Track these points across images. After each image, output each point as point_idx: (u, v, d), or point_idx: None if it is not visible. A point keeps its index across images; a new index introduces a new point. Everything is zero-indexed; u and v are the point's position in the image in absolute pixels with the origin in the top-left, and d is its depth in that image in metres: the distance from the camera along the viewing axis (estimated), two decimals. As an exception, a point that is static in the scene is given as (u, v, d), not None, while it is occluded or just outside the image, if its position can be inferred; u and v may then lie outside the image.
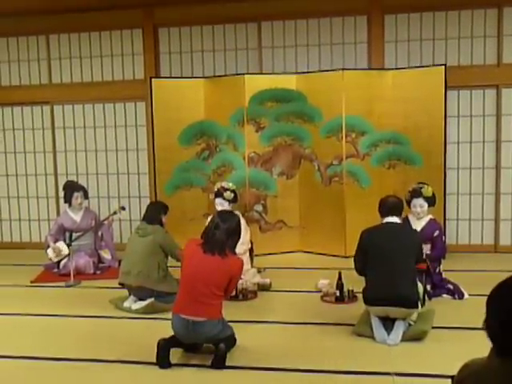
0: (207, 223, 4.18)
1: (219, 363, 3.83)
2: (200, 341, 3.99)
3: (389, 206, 4.45)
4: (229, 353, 3.92)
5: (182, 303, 3.90)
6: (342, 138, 6.74)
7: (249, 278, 5.60)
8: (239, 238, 4.12)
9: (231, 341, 4.02)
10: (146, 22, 7.43)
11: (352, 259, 4.51)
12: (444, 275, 5.36)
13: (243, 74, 6.99)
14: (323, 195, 6.96)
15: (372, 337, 4.21)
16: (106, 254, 6.68)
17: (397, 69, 6.86)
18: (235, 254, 4.04)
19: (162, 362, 3.86)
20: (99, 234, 6.71)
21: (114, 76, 7.67)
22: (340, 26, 7.16)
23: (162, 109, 7.06)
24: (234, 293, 5.02)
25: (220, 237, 3.92)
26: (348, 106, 6.67)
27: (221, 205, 5.84)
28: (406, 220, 5.30)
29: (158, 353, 3.87)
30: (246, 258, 5.73)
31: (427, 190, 5.32)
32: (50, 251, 6.41)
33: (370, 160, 6.83)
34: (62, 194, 6.89)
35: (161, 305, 5.01)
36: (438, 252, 5.29)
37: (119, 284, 5.26)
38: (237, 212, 6.02)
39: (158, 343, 3.88)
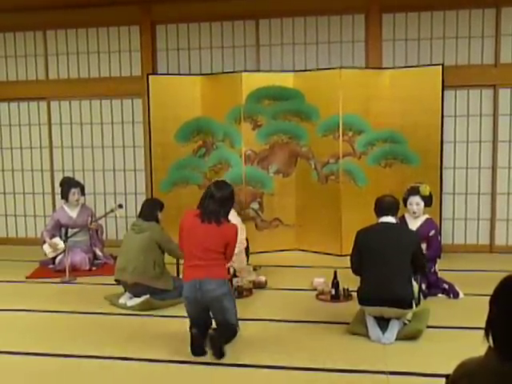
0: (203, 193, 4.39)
1: (218, 349, 3.93)
2: (206, 301, 4.07)
3: (384, 205, 4.44)
4: (228, 344, 4.00)
5: (189, 271, 4.10)
6: (338, 136, 6.74)
7: (244, 275, 5.61)
8: (232, 205, 4.34)
9: (232, 330, 4.17)
10: (144, 18, 7.42)
11: (347, 258, 4.51)
12: (439, 275, 5.37)
13: (240, 71, 6.98)
14: (319, 194, 6.96)
15: (367, 335, 4.22)
16: (101, 253, 6.68)
17: (394, 68, 6.87)
18: (229, 220, 4.24)
19: (199, 351, 3.97)
20: (90, 232, 6.70)
21: (111, 72, 7.65)
22: (338, 25, 7.15)
23: (158, 105, 7.05)
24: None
25: (214, 206, 4.13)
26: (345, 105, 6.67)
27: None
28: (403, 219, 5.30)
29: (192, 343, 3.99)
30: (241, 256, 5.73)
31: (425, 189, 5.32)
32: (45, 247, 6.41)
33: (367, 159, 6.84)
34: (58, 190, 6.88)
35: (156, 302, 5.02)
36: (434, 252, 5.29)
37: (115, 281, 5.26)
38: (233, 210, 6.07)
39: (192, 334, 4.00)
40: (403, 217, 5.34)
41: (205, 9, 7.24)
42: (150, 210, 5.32)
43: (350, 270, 4.47)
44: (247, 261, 5.96)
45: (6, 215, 8.14)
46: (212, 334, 3.99)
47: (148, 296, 5.05)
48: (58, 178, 7.22)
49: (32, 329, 4.63)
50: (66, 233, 6.35)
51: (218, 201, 4.14)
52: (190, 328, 4.04)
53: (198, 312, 4.13)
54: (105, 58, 7.65)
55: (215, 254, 4.09)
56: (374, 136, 6.81)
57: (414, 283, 4.42)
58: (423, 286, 5.09)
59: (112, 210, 6.47)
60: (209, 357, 3.95)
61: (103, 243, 6.81)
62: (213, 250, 4.08)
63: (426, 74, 6.59)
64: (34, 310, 5.06)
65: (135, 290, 5.10)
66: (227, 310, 4.12)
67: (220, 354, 3.91)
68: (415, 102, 6.64)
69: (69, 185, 6.65)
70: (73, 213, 6.63)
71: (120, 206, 6.50)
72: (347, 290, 5.18)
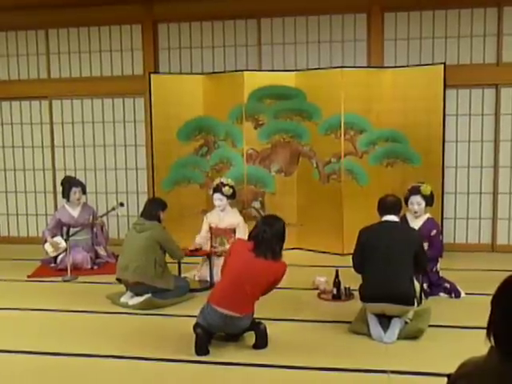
0: (253, 227, 4.35)
1: (262, 342, 4.08)
2: (233, 332, 4.14)
3: (387, 204, 4.46)
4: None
5: (224, 297, 4.02)
6: (340, 135, 6.74)
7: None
8: (285, 239, 4.30)
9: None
10: (146, 17, 7.42)
11: (349, 257, 4.52)
12: (441, 274, 5.37)
13: (242, 70, 6.97)
14: (321, 193, 6.95)
15: (368, 334, 4.22)
16: (103, 251, 6.68)
17: (396, 67, 6.86)
18: (281, 257, 4.21)
19: (202, 350, 3.98)
20: (94, 230, 6.71)
21: (112, 71, 7.65)
22: (340, 24, 7.14)
23: (160, 104, 7.04)
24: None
25: (270, 243, 4.11)
26: (347, 104, 6.67)
27: (219, 200, 5.86)
28: (404, 219, 5.30)
29: (197, 342, 3.99)
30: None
31: (426, 188, 5.32)
32: (47, 246, 6.41)
33: (369, 158, 6.83)
34: (59, 189, 6.88)
35: (157, 301, 5.02)
36: (435, 251, 5.29)
37: (116, 279, 5.26)
38: (235, 209, 6.08)
39: (197, 334, 3.99)
40: (404, 216, 5.33)
41: (207, 8, 7.24)
42: (153, 209, 5.32)
43: (352, 269, 4.48)
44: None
45: (8, 214, 8.15)
46: (261, 326, 4.10)
47: (149, 295, 5.04)
48: (60, 177, 7.21)
49: (33, 328, 4.63)
50: (68, 232, 6.35)
51: (272, 237, 4.14)
52: (194, 327, 4.04)
53: (213, 329, 4.10)
54: (107, 56, 7.65)
55: (258, 291, 4.05)
56: (375, 135, 6.80)
57: (416, 282, 4.43)
58: (425, 286, 5.10)
59: (113, 208, 6.48)
60: (212, 356, 3.95)
61: (107, 240, 6.81)
62: (258, 286, 4.04)
63: (428, 73, 6.59)
64: (35, 309, 5.06)
65: (137, 289, 5.10)
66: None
67: (266, 342, 4.10)
68: (417, 101, 6.64)
69: (70, 184, 6.66)
70: (74, 212, 6.64)
71: (121, 205, 6.51)
72: (349, 289, 5.18)
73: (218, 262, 5.38)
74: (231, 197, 5.91)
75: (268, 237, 4.12)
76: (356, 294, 4.67)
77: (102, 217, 6.68)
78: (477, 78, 6.85)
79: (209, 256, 5.72)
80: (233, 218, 5.92)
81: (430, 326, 4.37)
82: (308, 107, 6.93)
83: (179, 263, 5.62)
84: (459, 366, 1.81)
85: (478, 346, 1.79)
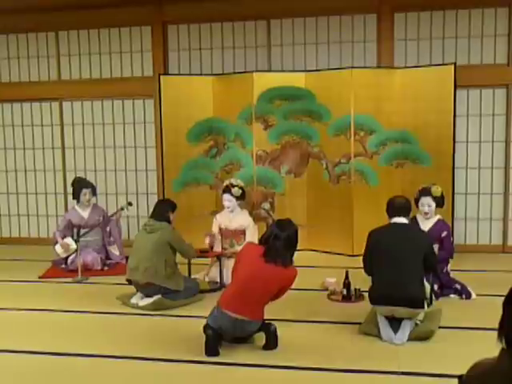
0: (265, 231, 4.29)
1: (272, 344, 4.07)
2: (242, 335, 4.13)
3: (396, 206, 4.43)
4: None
5: (233, 301, 4.00)
6: (350, 136, 6.73)
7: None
8: (297, 244, 4.26)
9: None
10: (155, 19, 7.44)
11: (359, 258, 4.51)
12: (451, 275, 5.35)
13: (252, 71, 6.98)
14: (331, 194, 6.94)
15: (378, 336, 4.21)
16: (115, 250, 6.69)
17: (406, 67, 6.84)
18: (293, 262, 4.17)
19: (212, 351, 3.99)
20: (107, 229, 6.73)
21: (122, 73, 7.68)
22: (349, 24, 7.13)
23: (170, 106, 7.07)
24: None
25: (281, 249, 4.05)
26: (357, 105, 6.66)
27: (228, 201, 5.86)
28: (414, 220, 5.28)
29: (207, 343, 3.99)
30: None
31: (436, 190, 5.30)
32: (57, 247, 6.43)
33: (378, 159, 6.81)
34: (70, 190, 6.91)
35: (168, 302, 5.03)
36: (446, 252, 5.27)
37: (126, 280, 5.27)
38: (245, 210, 6.07)
39: (207, 335, 3.99)
40: (415, 218, 5.31)
41: (216, 9, 7.25)
42: (162, 210, 5.33)
43: (362, 271, 4.46)
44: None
45: (19, 215, 8.20)
46: (271, 328, 4.09)
47: (160, 296, 5.06)
48: (70, 178, 7.22)
49: (44, 328, 4.65)
50: (78, 233, 6.38)
51: (284, 242, 4.07)
52: (205, 329, 4.03)
53: (223, 332, 4.09)
54: (116, 58, 7.68)
55: (268, 298, 4.04)
56: (385, 136, 6.78)
57: (426, 284, 4.41)
58: (435, 287, 5.08)
59: (122, 208, 6.51)
60: (222, 357, 3.96)
61: (121, 235, 6.80)
62: (268, 293, 4.02)
63: (438, 74, 6.56)
64: (45, 310, 5.09)
65: (147, 290, 5.11)
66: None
67: (276, 343, 4.09)
68: (427, 101, 6.62)
69: (80, 185, 6.68)
70: (84, 213, 6.66)
71: (130, 204, 6.54)
72: (359, 290, 5.17)
73: (228, 263, 5.38)
74: (240, 198, 5.90)
75: (279, 242, 4.05)
76: (366, 295, 4.66)
77: (111, 216, 6.70)
78: (487, 78, 6.82)
79: (219, 257, 5.73)
80: (242, 220, 5.92)
81: (441, 327, 4.35)
82: (318, 108, 6.92)
83: (189, 264, 5.63)
84: (470, 367, 1.81)
85: (489, 347, 1.78)
